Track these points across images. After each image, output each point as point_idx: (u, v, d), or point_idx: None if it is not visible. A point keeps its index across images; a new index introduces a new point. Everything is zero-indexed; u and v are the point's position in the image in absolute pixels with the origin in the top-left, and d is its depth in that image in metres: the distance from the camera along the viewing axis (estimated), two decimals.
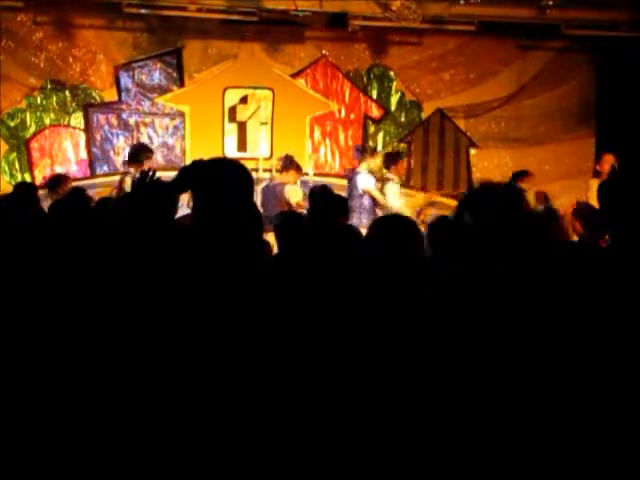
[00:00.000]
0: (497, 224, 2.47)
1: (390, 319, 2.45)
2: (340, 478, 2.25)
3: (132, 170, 7.46)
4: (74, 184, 7.51)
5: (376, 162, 8.09)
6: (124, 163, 8.06)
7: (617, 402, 2.20)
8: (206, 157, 2.61)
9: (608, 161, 8.00)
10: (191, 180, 2.51)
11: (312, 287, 2.60)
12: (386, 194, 7.99)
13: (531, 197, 8.50)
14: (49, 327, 2.55)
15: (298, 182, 8.28)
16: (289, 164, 8.03)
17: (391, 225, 2.83)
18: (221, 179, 2.42)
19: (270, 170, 8.78)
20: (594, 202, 6.55)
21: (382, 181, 8.10)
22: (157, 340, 2.22)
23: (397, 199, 7.98)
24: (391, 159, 8.36)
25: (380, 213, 8.01)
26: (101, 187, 8.78)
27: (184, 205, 3.78)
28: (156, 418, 2.17)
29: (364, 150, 8.24)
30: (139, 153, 7.75)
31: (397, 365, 2.36)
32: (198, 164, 2.56)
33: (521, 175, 8.53)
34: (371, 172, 8.04)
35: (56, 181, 7.49)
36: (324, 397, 2.28)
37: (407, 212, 7.44)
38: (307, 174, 8.86)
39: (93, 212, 4.36)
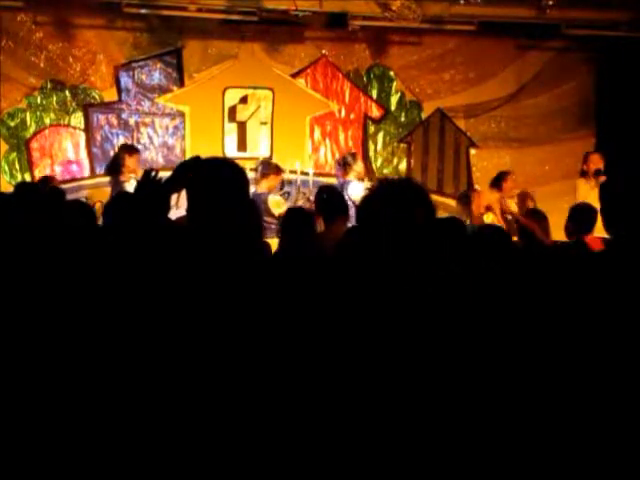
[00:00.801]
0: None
1: (390, 318, 2.45)
2: (340, 478, 2.25)
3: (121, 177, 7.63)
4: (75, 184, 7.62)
5: (360, 165, 8.15)
6: (111, 170, 8.04)
7: (615, 402, 2.21)
8: (204, 156, 2.61)
9: (593, 161, 8.00)
10: (187, 179, 2.51)
11: (312, 286, 2.60)
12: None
13: (514, 198, 8.53)
14: (48, 326, 2.55)
15: (299, 178, 8.32)
16: (267, 169, 7.96)
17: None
18: (216, 179, 2.42)
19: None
20: (581, 201, 6.55)
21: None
22: (155, 339, 2.22)
23: None
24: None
25: None
26: (101, 187, 8.78)
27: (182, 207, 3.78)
28: (155, 418, 2.18)
29: (345, 162, 8.17)
30: (120, 154, 7.87)
31: (396, 365, 2.36)
32: (194, 162, 2.56)
33: (503, 176, 8.54)
34: (360, 178, 8.07)
35: (42, 183, 7.55)
36: (324, 397, 2.28)
37: None
38: (307, 173, 8.86)
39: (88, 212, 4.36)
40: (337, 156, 9.61)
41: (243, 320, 2.25)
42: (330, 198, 6.17)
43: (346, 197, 7.75)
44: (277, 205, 7.79)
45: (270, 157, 9.23)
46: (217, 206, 2.38)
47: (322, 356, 2.33)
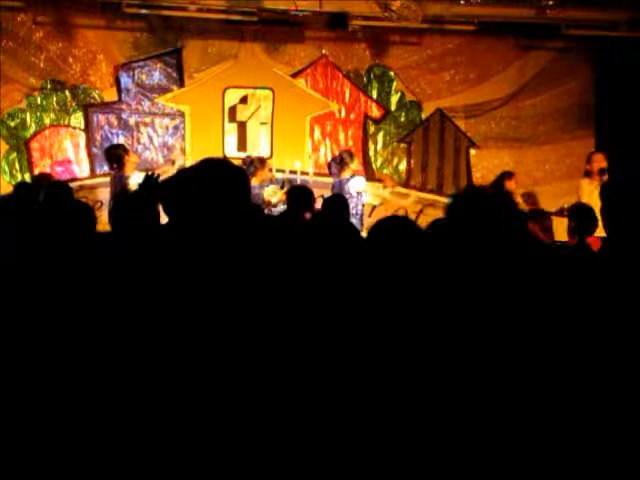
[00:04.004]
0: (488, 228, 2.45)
1: (391, 320, 2.45)
2: (340, 478, 2.25)
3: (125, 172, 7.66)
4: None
5: (356, 163, 8.26)
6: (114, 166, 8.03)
7: (615, 402, 2.21)
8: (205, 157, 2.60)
9: (597, 160, 7.98)
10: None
11: (313, 287, 2.60)
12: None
13: (518, 198, 8.54)
14: (49, 328, 2.55)
15: (299, 178, 8.39)
16: (252, 166, 8.00)
17: (395, 226, 2.82)
18: (208, 180, 2.40)
19: (270, 169, 8.84)
20: (584, 201, 6.55)
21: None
22: (154, 341, 2.22)
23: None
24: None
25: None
26: (101, 187, 8.79)
27: None
28: (155, 419, 2.18)
29: (342, 160, 8.28)
30: (118, 151, 7.88)
31: (398, 366, 2.36)
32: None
33: (505, 176, 8.55)
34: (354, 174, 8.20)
35: (38, 181, 7.56)
36: (324, 398, 2.28)
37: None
38: (307, 173, 8.87)
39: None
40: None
41: (242, 320, 2.25)
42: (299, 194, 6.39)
43: (347, 192, 7.85)
44: (273, 194, 7.92)
45: (270, 156, 9.25)
46: (212, 207, 2.37)
47: (321, 354, 2.33)
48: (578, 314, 2.32)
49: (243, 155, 8.94)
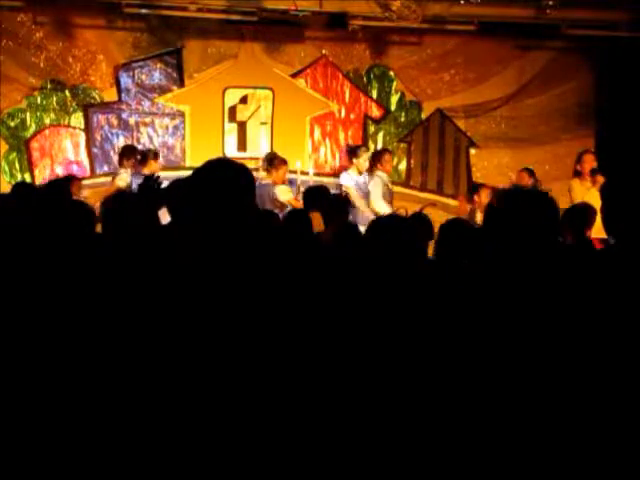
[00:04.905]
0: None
1: (389, 320, 2.45)
2: (340, 478, 2.25)
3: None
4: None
5: (363, 165, 8.22)
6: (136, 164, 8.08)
7: (616, 402, 2.21)
8: (206, 157, 2.59)
9: (588, 161, 7.94)
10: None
11: (312, 287, 2.60)
12: (370, 192, 8.15)
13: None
14: (49, 327, 2.55)
15: (299, 178, 8.45)
16: (271, 165, 8.04)
17: (391, 225, 2.83)
18: (213, 181, 2.39)
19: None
20: (576, 202, 6.52)
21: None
22: (153, 342, 2.22)
23: (379, 199, 8.10)
24: (375, 157, 8.47)
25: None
26: (101, 187, 8.78)
27: None
28: (156, 418, 2.18)
29: (355, 152, 8.31)
30: (150, 152, 7.98)
31: (397, 365, 2.36)
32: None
33: (523, 172, 8.53)
34: (360, 173, 8.19)
35: (65, 182, 7.54)
36: (324, 399, 2.28)
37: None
38: (307, 174, 8.87)
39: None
40: (337, 155, 9.66)
41: (241, 320, 2.25)
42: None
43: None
44: (284, 192, 7.92)
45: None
46: (219, 208, 2.36)
47: (321, 355, 2.33)
48: (577, 315, 2.32)
49: (243, 155, 8.96)
